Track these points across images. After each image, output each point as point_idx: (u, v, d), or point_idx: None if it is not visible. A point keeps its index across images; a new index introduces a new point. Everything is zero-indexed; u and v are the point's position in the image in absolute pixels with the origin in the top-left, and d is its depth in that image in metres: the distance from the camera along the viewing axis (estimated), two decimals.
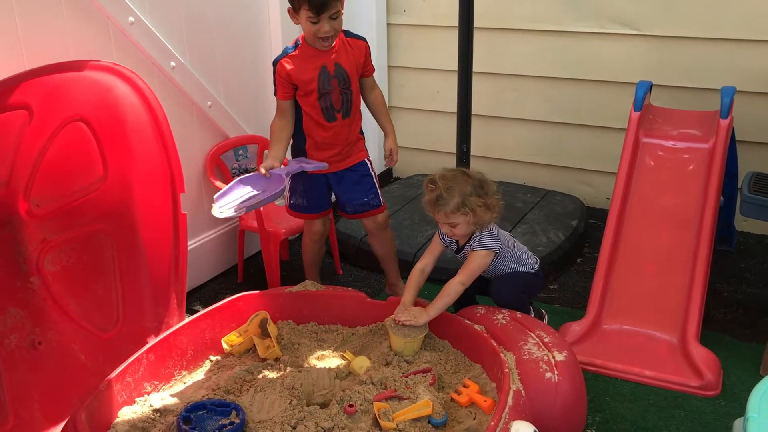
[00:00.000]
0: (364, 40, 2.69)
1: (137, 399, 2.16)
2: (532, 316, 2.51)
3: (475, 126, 3.29)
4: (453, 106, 3.27)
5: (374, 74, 2.76)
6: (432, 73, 4.04)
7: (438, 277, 2.88)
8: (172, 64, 2.86)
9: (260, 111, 3.42)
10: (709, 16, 3.39)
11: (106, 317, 2.47)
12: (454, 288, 2.39)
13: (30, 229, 2.23)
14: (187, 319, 2.44)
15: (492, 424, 1.87)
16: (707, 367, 2.47)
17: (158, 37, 2.78)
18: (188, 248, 2.72)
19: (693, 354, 2.52)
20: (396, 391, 2.14)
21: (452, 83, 3.24)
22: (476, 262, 2.41)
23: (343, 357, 2.39)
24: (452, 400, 2.15)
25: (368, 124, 2.87)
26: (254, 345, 2.42)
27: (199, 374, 2.35)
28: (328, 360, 2.39)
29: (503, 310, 2.42)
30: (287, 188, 2.69)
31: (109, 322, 2.48)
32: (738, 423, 1.84)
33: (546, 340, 2.23)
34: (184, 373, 2.35)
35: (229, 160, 3.23)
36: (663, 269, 2.76)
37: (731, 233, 3.40)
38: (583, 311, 2.77)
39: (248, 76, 3.33)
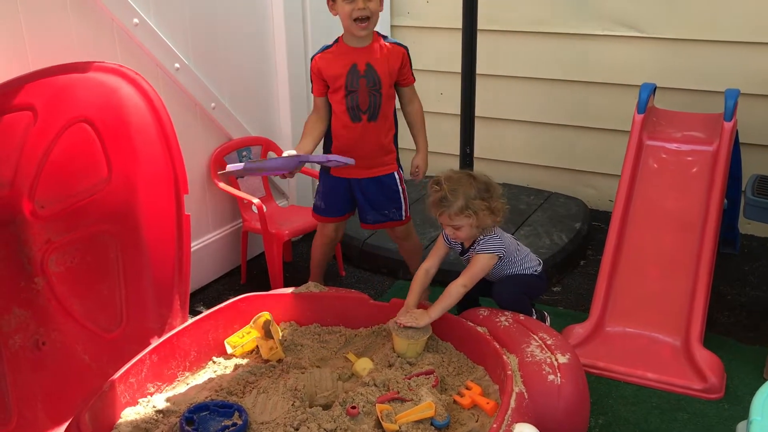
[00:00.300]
0: (405, 48, 2.66)
1: (140, 400, 2.16)
2: (534, 318, 2.51)
3: (479, 128, 3.29)
4: (456, 108, 3.27)
5: (413, 85, 2.73)
6: (436, 75, 4.04)
7: (441, 279, 2.89)
8: (176, 65, 2.87)
9: (263, 112, 3.43)
10: (713, 19, 3.39)
11: (110, 318, 2.48)
12: (455, 290, 2.39)
13: (34, 229, 2.23)
14: (191, 320, 2.44)
15: (494, 426, 1.86)
16: (711, 370, 2.46)
17: (162, 39, 2.79)
18: (192, 249, 2.72)
19: (696, 357, 2.51)
20: (399, 392, 2.14)
21: (456, 85, 3.24)
22: (479, 265, 2.41)
23: (345, 359, 2.40)
24: (455, 402, 2.15)
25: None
26: (257, 346, 2.42)
27: (202, 375, 2.36)
28: (330, 361, 2.39)
29: (506, 312, 2.42)
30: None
31: (113, 323, 2.48)
32: (741, 426, 1.84)
33: (549, 342, 2.23)
34: (187, 374, 2.35)
35: (232, 161, 3.23)
36: (666, 272, 2.76)
37: (735, 236, 3.39)
38: (586, 313, 2.77)
39: (252, 77, 3.33)
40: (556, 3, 3.69)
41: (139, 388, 2.18)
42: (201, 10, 2.98)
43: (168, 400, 2.18)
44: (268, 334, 2.45)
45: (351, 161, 2.58)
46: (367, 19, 2.52)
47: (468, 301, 2.61)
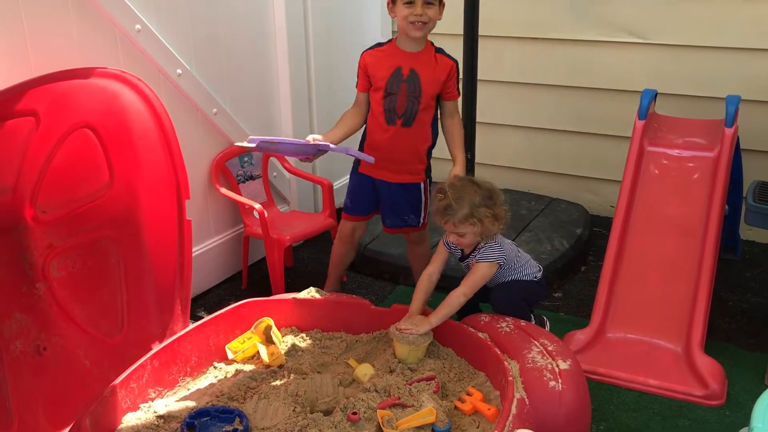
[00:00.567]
0: (454, 61, 2.67)
1: (141, 405, 2.16)
2: (533, 323, 2.51)
3: (480, 133, 3.30)
4: None
5: (456, 101, 2.72)
6: None
7: (445, 286, 2.89)
8: (179, 71, 2.87)
9: (265, 118, 3.44)
10: (714, 25, 3.39)
11: (111, 323, 2.48)
12: (456, 299, 2.39)
13: (36, 235, 2.24)
14: (192, 326, 2.44)
15: None
16: (712, 376, 2.46)
17: (165, 45, 2.80)
18: (193, 254, 2.72)
19: (698, 363, 2.51)
20: (400, 398, 2.14)
21: None
22: (479, 274, 2.41)
23: (347, 364, 2.39)
24: (456, 408, 2.15)
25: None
26: (258, 352, 2.42)
27: (203, 381, 2.36)
28: (332, 367, 2.39)
29: (507, 318, 2.42)
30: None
31: (114, 328, 2.48)
32: None
33: (550, 348, 2.23)
34: (188, 379, 2.35)
35: (234, 167, 3.24)
36: (668, 278, 2.76)
37: (736, 242, 3.39)
38: (588, 319, 2.77)
39: (254, 83, 3.34)
40: (558, 9, 3.70)
41: (140, 393, 2.18)
42: (203, 16, 2.99)
43: (169, 405, 2.18)
44: (269, 339, 2.45)
45: (370, 159, 2.59)
46: (424, 24, 2.54)
47: (468, 307, 2.60)
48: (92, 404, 2.00)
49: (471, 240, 2.42)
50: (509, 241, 2.54)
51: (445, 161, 3.10)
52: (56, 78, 2.23)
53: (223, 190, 3.15)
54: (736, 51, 3.38)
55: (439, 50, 2.67)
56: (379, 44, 2.73)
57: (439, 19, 2.62)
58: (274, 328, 2.46)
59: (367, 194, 2.83)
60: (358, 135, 2.82)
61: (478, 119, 3.27)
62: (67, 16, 2.46)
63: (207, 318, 2.47)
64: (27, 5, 2.32)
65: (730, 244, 3.36)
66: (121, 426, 2.07)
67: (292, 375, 2.31)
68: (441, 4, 2.58)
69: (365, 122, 2.76)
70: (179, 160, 2.57)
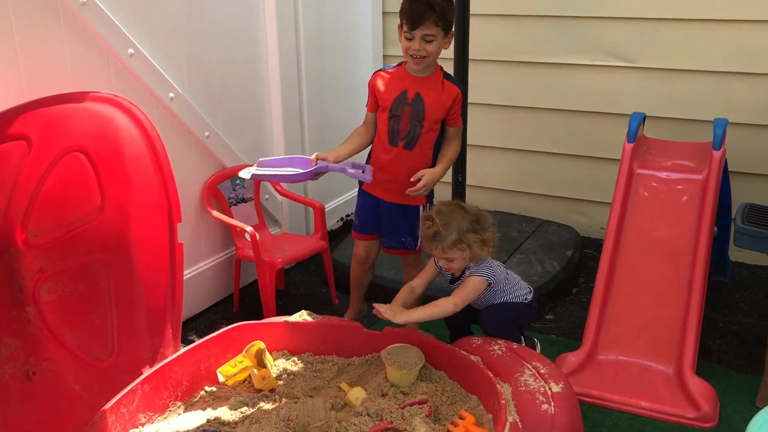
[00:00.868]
0: (461, 89, 2.68)
1: (131, 430, 2.15)
2: (524, 345, 2.51)
3: (471, 156, 3.32)
4: None
5: (459, 127, 2.72)
6: None
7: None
8: (171, 95, 2.89)
9: (257, 141, 3.45)
10: (701, 49, 3.44)
11: (102, 347, 2.46)
12: (445, 304, 2.40)
13: (27, 259, 2.23)
14: (183, 350, 2.43)
15: None
16: (704, 398, 2.47)
17: (157, 69, 2.81)
18: (184, 277, 2.72)
19: (689, 385, 2.52)
20: (392, 422, 2.13)
21: None
22: (471, 286, 2.43)
23: (339, 388, 2.39)
24: (449, 431, 2.14)
25: None
26: (250, 376, 2.41)
27: (194, 405, 2.34)
28: (323, 391, 2.38)
29: (499, 341, 2.42)
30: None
31: (105, 352, 2.47)
32: None
33: (542, 371, 2.23)
34: (179, 404, 2.34)
35: (226, 190, 3.25)
36: (658, 300, 2.77)
37: (726, 263, 3.41)
38: (579, 341, 2.77)
39: (246, 106, 3.35)
40: (547, 34, 3.75)
41: (130, 418, 2.16)
42: (195, 40, 3.01)
43: (159, 430, 2.16)
44: (260, 363, 2.44)
45: (368, 179, 2.62)
46: (422, 58, 2.57)
47: (460, 330, 2.61)
48: (82, 430, 1.99)
49: (460, 264, 2.44)
50: (498, 262, 2.55)
51: (447, 185, 3.13)
52: (49, 102, 2.24)
53: (215, 213, 3.15)
54: (722, 75, 3.43)
55: (447, 76, 2.69)
56: (390, 66, 2.77)
57: (446, 49, 2.63)
58: (266, 352, 2.45)
59: (371, 213, 2.85)
60: (365, 153, 2.85)
61: (469, 141, 3.29)
62: (60, 41, 2.47)
63: (198, 342, 2.46)
64: (20, 29, 2.33)
65: (720, 266, 3.38)
66: None
67: (283, 399, 2.30)
68: (446, 37, 2.59)
69: (372, 141, 2.79)
70: (171, 183, 2.57)
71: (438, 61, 2.67)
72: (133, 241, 2.50)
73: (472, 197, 3.48)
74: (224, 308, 3.31)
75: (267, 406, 2.26)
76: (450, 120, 2.68)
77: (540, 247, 3.59)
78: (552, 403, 2.08)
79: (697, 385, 2.51)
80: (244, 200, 3.32)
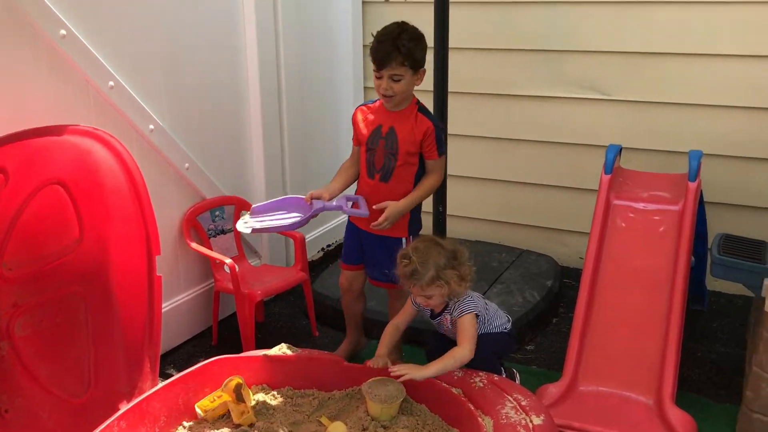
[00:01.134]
0: (433, 122, 2.69)
1: None
2: (504, 376, 2.51)
3: (451, 186, 3.34)
4: None
5: (437, 160, 2.71)
6: None
7: (415, 339, 2.88)
8: (151, 127, 2.88)
9: (237, 172, 3.45)
10: (674, 82, 3.51)
11: (78, 382, 2.42)
12: (461, 355, 2.36)
13: (1, 293, 2.20)
14: (161, 384, 2.39)
15: None
16: (684, 429, 2.47)
17: (137, 101, 2.81)
18: (163, 310, 2.69)
19: (669, 416, 2.52)
20: None
21: None
22: (469, 327, 2.41)
23: (319, 422, 2.36)
24: None
25: None
26: (228, 410, 2.38)
27: None
28: (303, 426, 2.35)
29: (480, 373, 2.42)
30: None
31: (81, 388, 2.43)
32: None
33: (523, 403, 2.23)
34: None
35: (205, 221, 3.23)
36: (637, 329, 2.78)
37: (703, 293, 3.45)
38: (560, 372, 2.77)
39: (226, 137, 3.36)
40: (526, 67, 3.80)
41: None
42: (176, 72, 3.01)
43: None
44: (239, 397, 2.41)
45: (364, 213, 2.65)
46: (391, 96, 2.61)
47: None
48: None
49: (438, 301, 2.44)
50: (477, 293, 2.55)
51: (428, 215, 3.15)
52: (27, 135, 2.23)
53: (194, 245, 3.13)
54: (696, 107, 3.50)
55: (422, 109, 2.71)
56: (371, 101, 2.81)
57: (418, 85, 2.66)
58: (245, 386, 2.42)
59: (354, 243, 2.86)
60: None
61: (450, 172, 3.31)
62: (39, 73, 2.46)
63: (176, 376, 2.42)
64: None
65: (698, 295, 3.41)
66: None
67: None
68: (417, 74, 2.62)
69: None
70: (150, 215, 2.56)
71: (419, 93, 2.70)
72: (112, 274, 2.47)
73: (452, 227, 3.49)
74: (203, 341, 3.27)
75: None
76: (425, 153, 2.69)
77: (520, 277, 3.60)
78: None
79: (676, 415, 2.51)
80: (223, 231, 3.31)
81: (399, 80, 2.57)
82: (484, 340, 2.51)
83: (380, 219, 2.62)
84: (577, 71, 3.70)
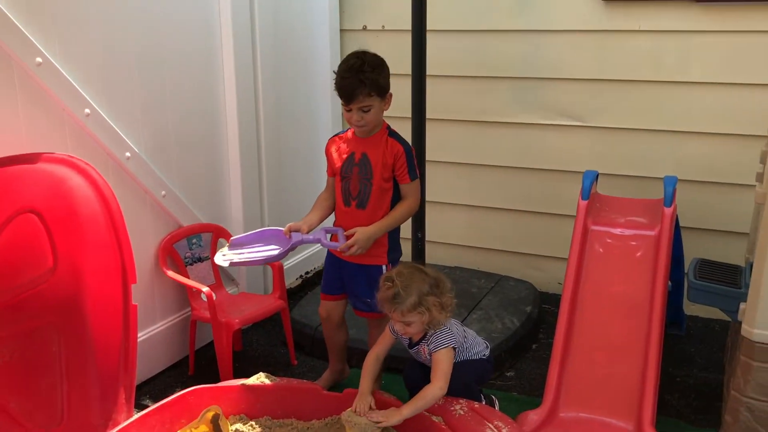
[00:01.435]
0: (404, 146, 2.70)
1: None
2: (483, 403, 2.49)
3: (430, 212, 3.35)
4: None
5: (410, 184, 2.71)
6: None
7: (395, 366, 2.86)
8: (127, 154, 2.86)
9: (215, 199, 3.43)
10: (648, 109, 3.57)
11: (51, 415, 2.37)
12: (432, 393, 2.33)
13: None
14: (136, 416, 2.36)
15: None
16: None
17: (114, 129, 2.79)
18: (138, 340, 2.65)
19: None
20: None
21: None
22: (445, 362, 2.39)
23: None
24: None
25: None
26: None
27: None
28: None
29: (461, 401, 2.40)
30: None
31: (54, 420, 2.37)
32: None
33: (504, 430, 2.22)
34: None
35: (182, 249, 3.20)
36: (617, 355, 2.79)
37: (681, 317, 3.47)
38: (540, 398, 2.76)
39: (204, 164, 3.34)
40: (502, 94, 3.84)
41: None
42: (153, 99, 3.00)
43: None
44: (216, 428, 2.37)
45: (335, 245, 2.65)
46: (363, 126, 2.64)
47: (419, 389, 2.58)
48: None
49: (417, 329, 2.42)
50: (455, 321, 2.55)
51: (407, 241, 3.15)
52: (1, 163, 2.20)
53: (171, 273, 3.09)
54: (671, 133, 3.55)
55: (392, 134, 2.73)
56: (342, 131, 2.83)
57: (386, 109, 2.69)
58: (222, 417, 2.39)
59: (333, 273, 2.85)
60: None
61: (428, 198, 3.32)
62: (14, 101, 2.44)
63: (152, 407, 2.39)
64: None
65: (675, 320, 3.44)
66: None
67: None
68: (384, 99, 2.65)
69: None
70: (126, 243, 2.53)
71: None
72: (86, 303, 2.43)
73: (431, 253, 3.49)
74: (179, 371, 3.22)
75: None
76: (398, 177, 2.71)
77: (499, 303, 3.60)
78: None
79: None
80: (200, 259, 3.28)
81: (369, 110, 2.61)
82: (463, 368, 2.50)
83: (349, 242, 2.62)
84: (553, 98, 3.75)
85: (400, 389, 2.64)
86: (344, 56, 2.73)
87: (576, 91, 3.70)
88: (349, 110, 2.61)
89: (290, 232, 2.67)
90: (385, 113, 2.73)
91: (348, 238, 2.65)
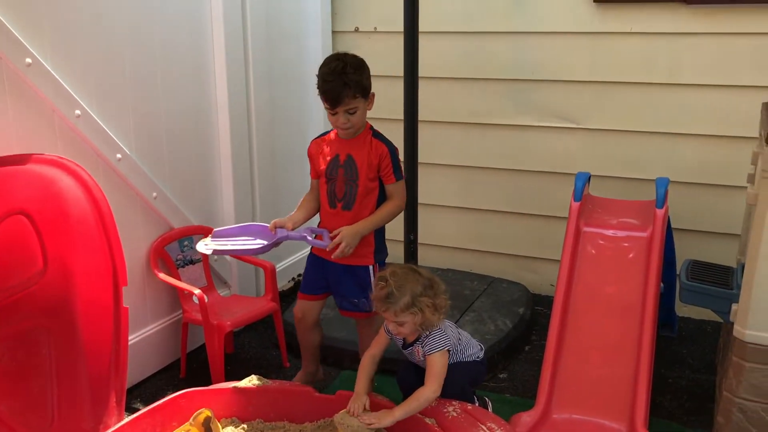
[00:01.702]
0: (388, 147, 2.70)
1: None
2: (477, 405, 2.49)
3: (422, 215, 3.34)
4: None
5: (395, 184, 2.72)
6: None
7: (388, 368, 2.85)
8: (118, 156, 2.85)
9: (206, 201, 3.41)
10: (640, 111, 3.58)
11: (41, 418, 2.35)
12: (425, 396, 2.33)
13: None
14: (127, 419, 2.34)
15: None
16: None
17: (104, 130, 2.78)
18: (129, 343, 2.63)
19: None
20: None
21: None
22: (438, 366, 2.38)
23: None
24: None
25: None
26: None
27: None
28: None
29: (454, 402, 2.40)
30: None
31: (44, 423, 2.35)
32: None
33: None
34: None
35: (173, 251, 3.18)
36: (609, 356, 2.79)
37: (673, 319, 3.47)
38: (533, 400, 2.76)
39: (195, 165, 3.33)
40: (495, 96, 3.85)
41: None
42: (144, 100, 2.99)
43: None
44: (208, 431, 2.36)
45: (323, 244, 2.64)
46: (350, 128, 2.64)
47: (413, 391, 2.57)
48: None
49: (410, 329, 2.41)
50: (449, 322, 2.54)
51: (399, 243, 3.15)
52: None
53: (162, 275, 3.08)
54: (663, 135, 3.56)
55: (376, 135, 2.72)
56: (324, 133, 2.81)
57: (370, 109, 2.68)
58: (214, 420, 2.37)
59: (316, 274, 2.84)
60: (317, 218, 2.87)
61: (421, 200, 3.32)
62: (3, 102, 2.42)
63: (143, 410, 2.38)
64: None
65: (667, 322, 3.44)
66: None
67: None
68: (368, 100, 2.65)
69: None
70: (117, 245, 2.51)
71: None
72: (76, 306, 2.41)
73: (424, 255, 3.49)
74: (171, 374, 3.20)
75: None
76: (383, 177, 2.71)
77: (492, 304, 3.60)
78: None
79: None
80: (192, 262, 3.26)
81: (354, 112, 2.61)
82: (456, 369, 2.49)
83: (336, 240, 2.61)
84: (545, 100, 3.75)
85: (393, 391, 2.63)
86: None
87: (568, 93, 3.70)
88: (335, 113, 2.60)
89: (275, 228, 2.67)
90: (378, 115, 2.73)
91: (331, 238, 2.65)
